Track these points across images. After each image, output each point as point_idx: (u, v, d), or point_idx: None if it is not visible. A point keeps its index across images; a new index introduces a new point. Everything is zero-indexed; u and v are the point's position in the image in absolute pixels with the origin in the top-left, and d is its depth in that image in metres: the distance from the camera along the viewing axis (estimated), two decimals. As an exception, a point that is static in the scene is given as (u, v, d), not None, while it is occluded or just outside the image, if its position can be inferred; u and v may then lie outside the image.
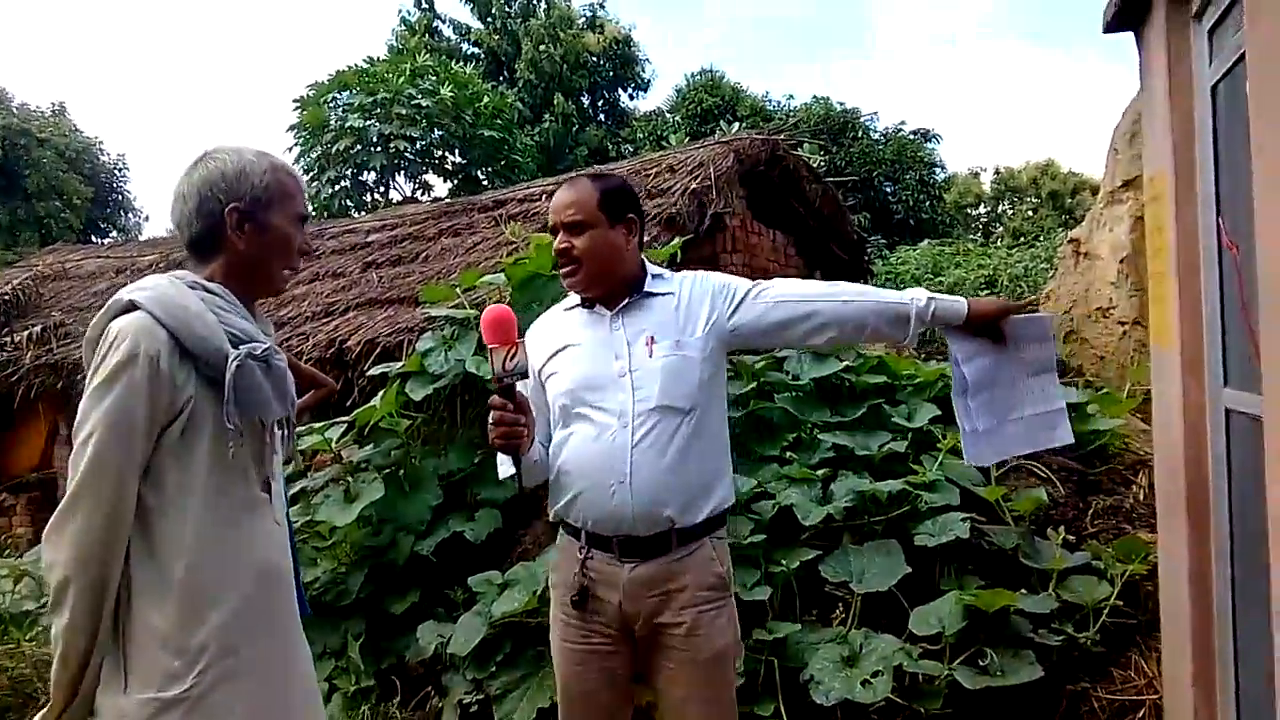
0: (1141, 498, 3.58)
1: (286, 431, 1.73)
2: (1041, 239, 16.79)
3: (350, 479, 3.78)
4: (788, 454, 3.76)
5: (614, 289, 2.07)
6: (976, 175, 32.48)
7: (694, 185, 5.31)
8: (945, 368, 4.31)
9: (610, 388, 1.99)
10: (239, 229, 1.62)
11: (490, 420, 1.82)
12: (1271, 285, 1.40)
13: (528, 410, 1.88)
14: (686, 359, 2.01)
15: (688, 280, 2.14)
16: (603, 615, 2.02)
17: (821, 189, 7.13)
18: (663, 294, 2.10)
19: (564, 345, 2.08)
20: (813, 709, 2.91)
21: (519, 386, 1.92)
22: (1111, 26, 2.40)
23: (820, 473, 3.46)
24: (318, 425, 3.93)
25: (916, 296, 2.06)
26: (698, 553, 2.00)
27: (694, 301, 2.08)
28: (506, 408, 1.81)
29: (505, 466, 1.97)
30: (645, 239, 4.66)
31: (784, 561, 3.16)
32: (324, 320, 5.42)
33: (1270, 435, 1.44)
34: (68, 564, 1.43)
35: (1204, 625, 2.12)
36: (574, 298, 2.15)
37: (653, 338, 2.01)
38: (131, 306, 1.51)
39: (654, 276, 2.12)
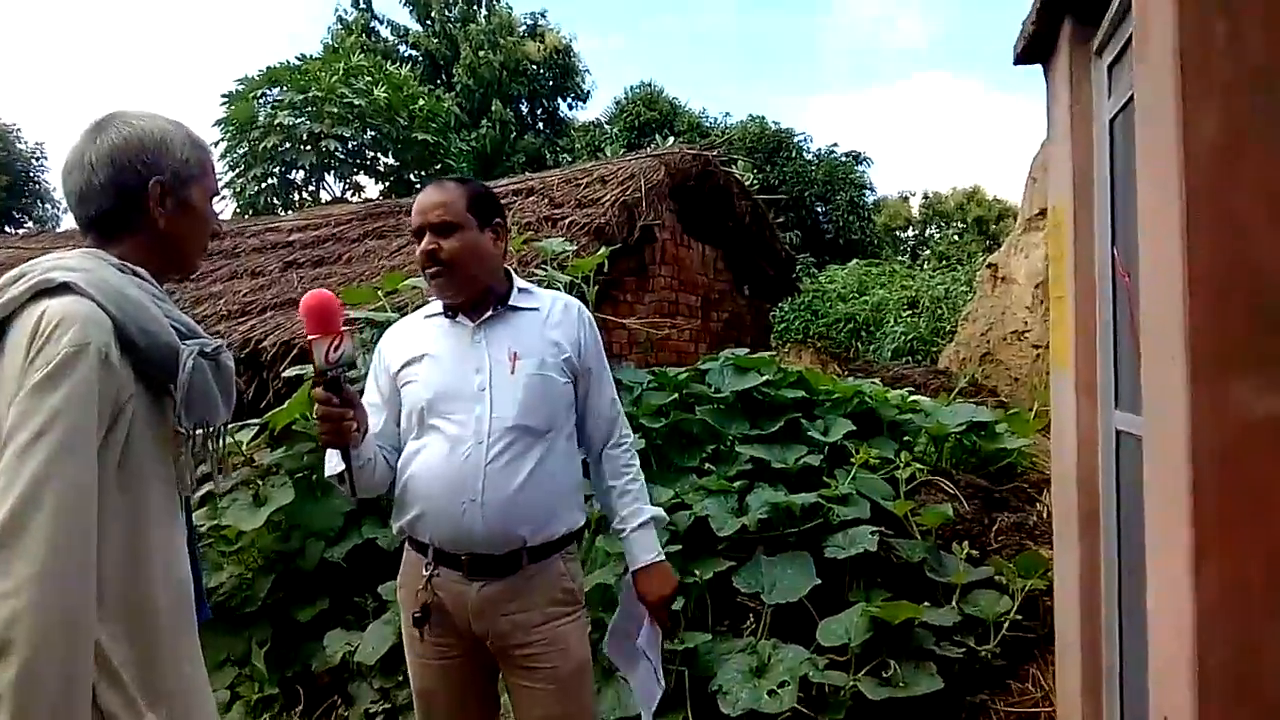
0: (1045, 515, 3.70)
1: (221, 436, 1.58)
2: (965, 263, 17.30)
3: (260, 482, 3.68)
4: (706, 465, 3.79)
5: (480, 296, 1.99)
6: (906, 199, 33.32)
7: (624, 197, 5.33)
8: (862, 384, 4.41)
9: (467, 401, 1.91)
10: (162, 204, 1.45)
11: (315, 415, 1.71)
12: (1152, 314, 1.46)
13: (356, 404, 1.75)
14: (548, 379, 1.95)
15: (559, 301, 2.09)
16: (448, 632, 1.95)
17: (751, 205, 7.22)
18: (529, 309, 2.03)
19: (423, 353, 1.98)
20: (721, 719, 2.93)
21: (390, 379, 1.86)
22: (1021, 59, 2.48)
23: (737, 485, 3.50)
24: (229, 426, 3.82)
25: (640, 518, 2.07)
26: (548, 569, 1.94)
27: (561, 323, 2.03)
28: (332, 401, 1.68)
29: (333, 463, 1.85)
30: (575, 248, 4.68)
31: (698, 572, 3.18)
32: (240, 320, 5.28)
33: (1149, 455, 1.50)
34: (21, 592, 1.15)
35: (1093, 639, 2.20)
36: (436, 305, 2.06)
37: (516, 354, 1.94)
38: (65, 289, 1.30)
39: (520, 290, 2.05)
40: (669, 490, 3.52)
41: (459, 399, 1.91)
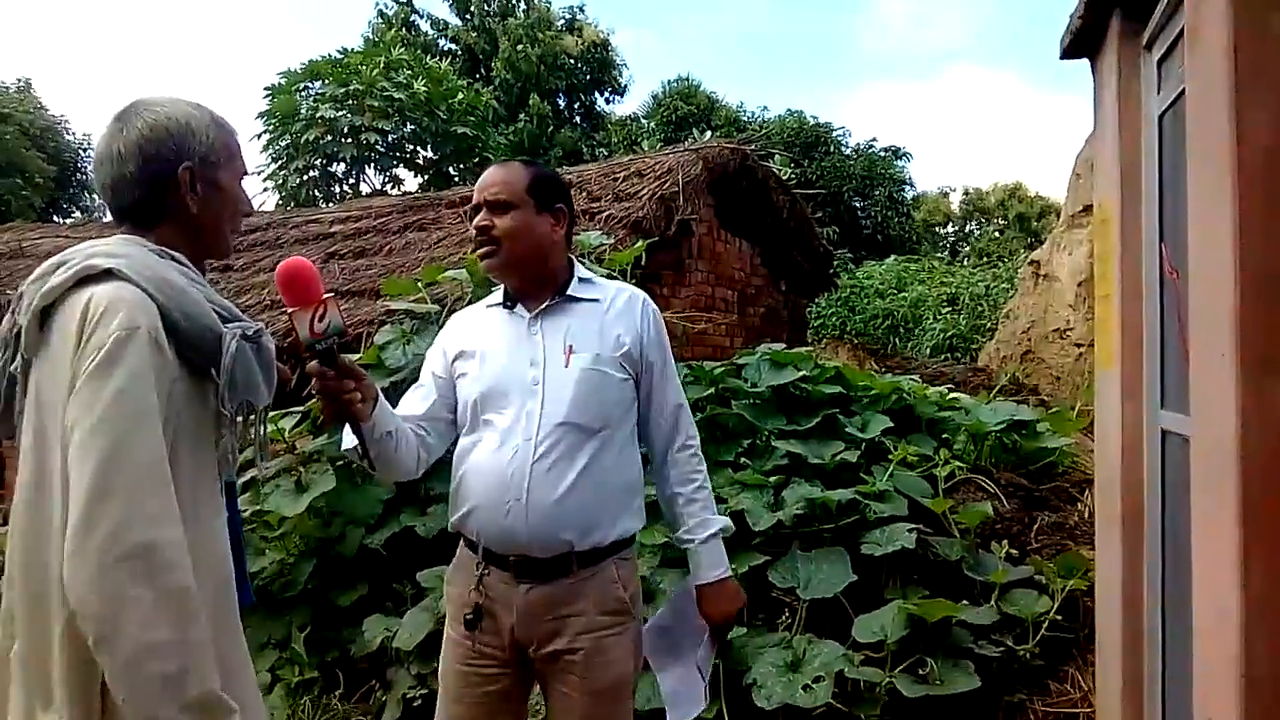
0: (1085, 515, 3.65)
1: (264, 419, 1.59)
2: (1005, 260, 17.08)
3: (302, 469, 3.75)
4: (742, 460, 3.79)
5: (535, 282, 1.92)
6: (946, 195, 32.97)
7: (662, 190, 5.34)
8: (900, 380, 4.38)
9: (519, 396, 1.84)
10: (193, 189, 1.44)
11: (314, 392, 1.60)
12: (1202, 312, 1.44)
13: (356, 374, 1.64)
14: (604, 375, 1.86)
15: (623, 292, 2.00)
16: (494, 638, 1.87)
17: (789, 200, 7.18)
18: (589, 299, 1.94)
19: (479, 344, 1.93)
20: (756, 712, 2.94)
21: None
22: (1068, 53, 2.45)
23: (773, 479, 3.50)
24: (271, 414, 3.89)
25: (709, 530, 1.97)
26: (599, 575, 1.85)
27: (623, 315, 1.94)
28: (327, 375, 1.58)
29: (348, 438, 1.78)
30: (612, 241, 4.69)
31: (734, 566, 3.17)
32: (282, 309, 5.34)
33: (1196, 455, 1.48)
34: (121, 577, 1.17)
35: (1134, 640, 2.17)
36: (497, 295, 2.00)
37: (572, 346, 1.86)
38: (109, 275, 1.31)
39: (581, 280, 1.96)
40: (705, 484, 3.52)
41: (511, 393, 1.85)
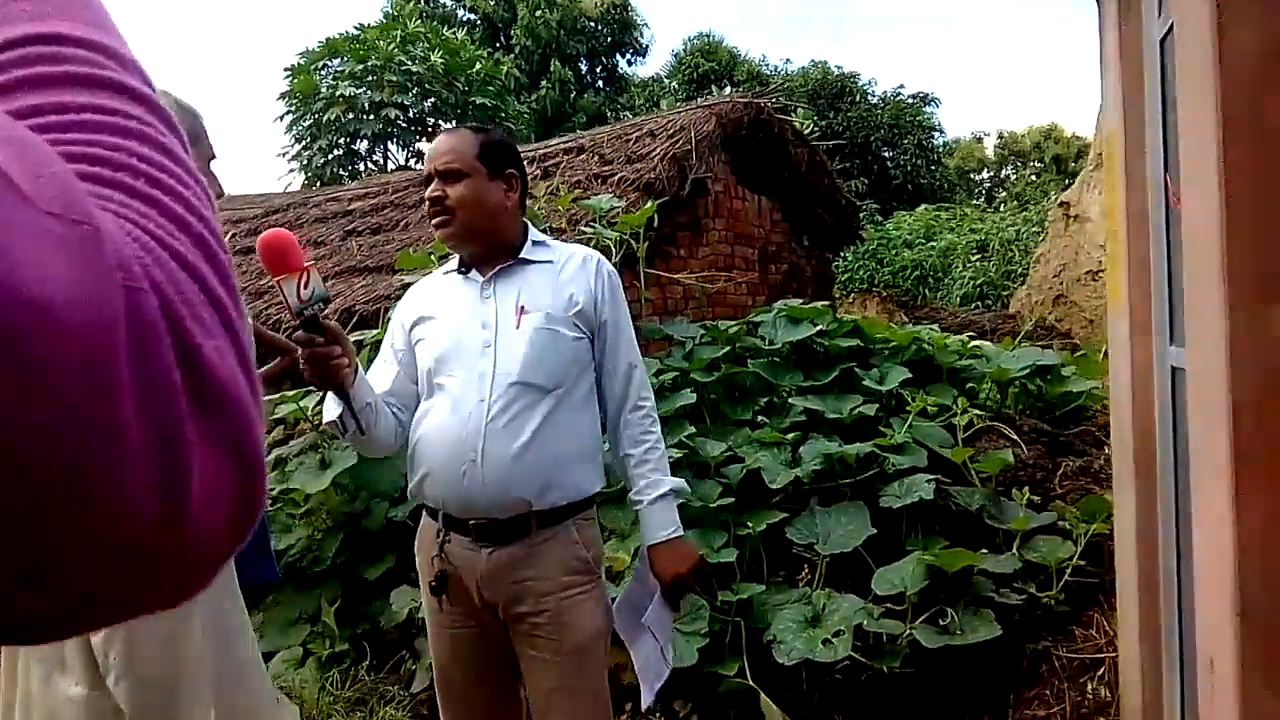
0: (1111, 459, 3.58)
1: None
2: (1032, 204, 16.71)
3: (325, 446, 3.79)
4: (759, 418, 3.77)
5: (489, 248, 1.92)
6: (980, 140, 32.32)
7: (674, 150, 5.26)
8: (919, 330, 4.31)
9: (472, 359, 1.84)
10: None
11: (302, 359, 1.62)
12: (1193, 237, 1.39)
13: (341, 339, 1.66)
14: (556, 334, 1.86)
15: (577, 254, 2.00)
16: (464, 603, 1.89)
17: (808, 153, 7.06)
18: (542, 261, 1.95)
19: (435, 310, 1.94)
20: (777, 668, 2.94)
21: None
22: (1069, -19, 2.36)
23: (790, 436, 3.47)
24: (291, 394, 3.94)
25: (658, 490, 1.95)
26: (560, 536, 1.86)
27: (576, 276, 1.95)
28: (315, 342, 1.59)
29: (332, 407, 1.78)
30: (624, 204, 4.65)
31: (750, 524, 3.17)
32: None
33: (1192, 389, 1.43)
34: None
35: (1150, 583, 2.13)
36: (453, 261, 2.01)
37: (524, 307, 1.87)
38: None
39: (535, 243, 1.98)
40: (722, 443, 3.51)
41: (465, 356, 1.85)
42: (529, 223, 2.04)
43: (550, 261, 1.96)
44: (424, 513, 1.99)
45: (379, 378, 1.95)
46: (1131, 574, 2.21)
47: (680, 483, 2.03)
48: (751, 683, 2.87)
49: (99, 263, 0.28)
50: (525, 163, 2.08)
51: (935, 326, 5.03)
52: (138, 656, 1.23)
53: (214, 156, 1.59)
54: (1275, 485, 1.22)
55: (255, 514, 0.35)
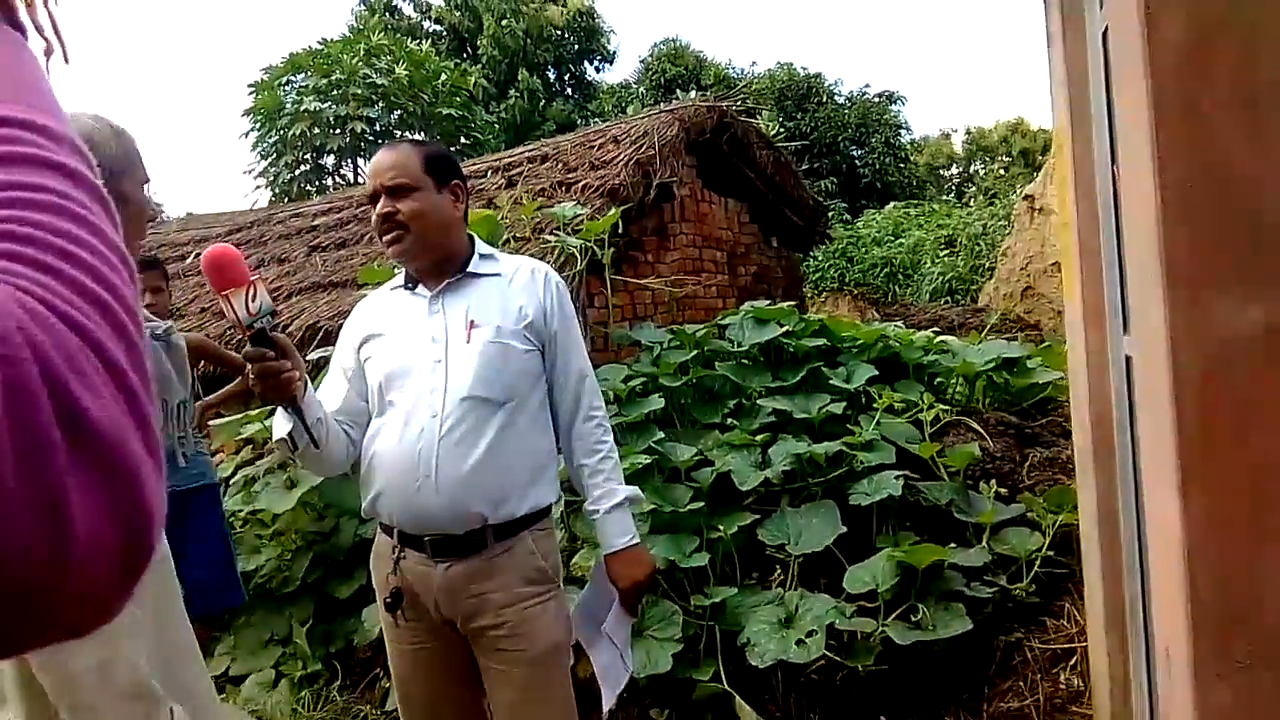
0: (1079, 449, 3.61)
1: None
2: (1000, 198, 16.86)
3: (292, 465, 3.75)
4: (728, 420, 3.76)
5: (439, 263, 1.90)
6: (948, 136, 32.59)
7: (638, 155, 5.26)
8: (886, 327, 4.33)
9: (423, 375, 1.82)
10: None
11: (253, 374, 1.60)
12: (1132, 226, 1.40)
13: (290, 352, 1.65)
14: (506, 347, 1.84)
15: (525, 266, 1.99)
16: (421, 619, 1.89)
17: (773, 155, 7.08)
18: (489, 274, 1.93)
19: (383, 328, 1.91)
20: (752, 671, 2.93)
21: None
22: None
23: (760, 438, 3.47)
24: (254, 414, 3.89)
25: (613, 499, 1.95)
26: (516, 548, 1.85)
27: (526, 288, 1.93)
28: (267, 356, 1.58)
29: (282, 424, 1.74)
30: (588, 212, 4.64)
31: (722, 527, 3.16)
32: (291, 302, 5.35)
33: (1138, 377, 1.44)
34: None
35: (1114, 571, 2.14)
36: (399, 278, 1.99)
37: (473, 321, 1.85)
38: None
39: (482, 256, 1.96)
40: (692, 448, 3.50)
41: (415, 373, 1.83)
42: (474, 235, 2.03)
43: (498, 275, 1.95)
44: (379, 530, 1.96)
45: (329, 396, 1.93)
46: (1095, 563, 2.22)
47: (635, 490, 2.03)
48: (727, 687, 2.86)
49: None
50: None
51: (900, 323, 5.04)
52: (75, 686, 1.22)
53: (148, 179, 1.59)
54: (1218, 471, 1.23)
55: (146, 555, 0.37)
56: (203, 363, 3.42)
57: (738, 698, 2.83)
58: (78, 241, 0.39)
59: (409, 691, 1.96)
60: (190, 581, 3.18)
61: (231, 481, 3.92)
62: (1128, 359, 1.99)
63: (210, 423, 3.78)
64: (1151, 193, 1.22)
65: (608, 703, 1.99)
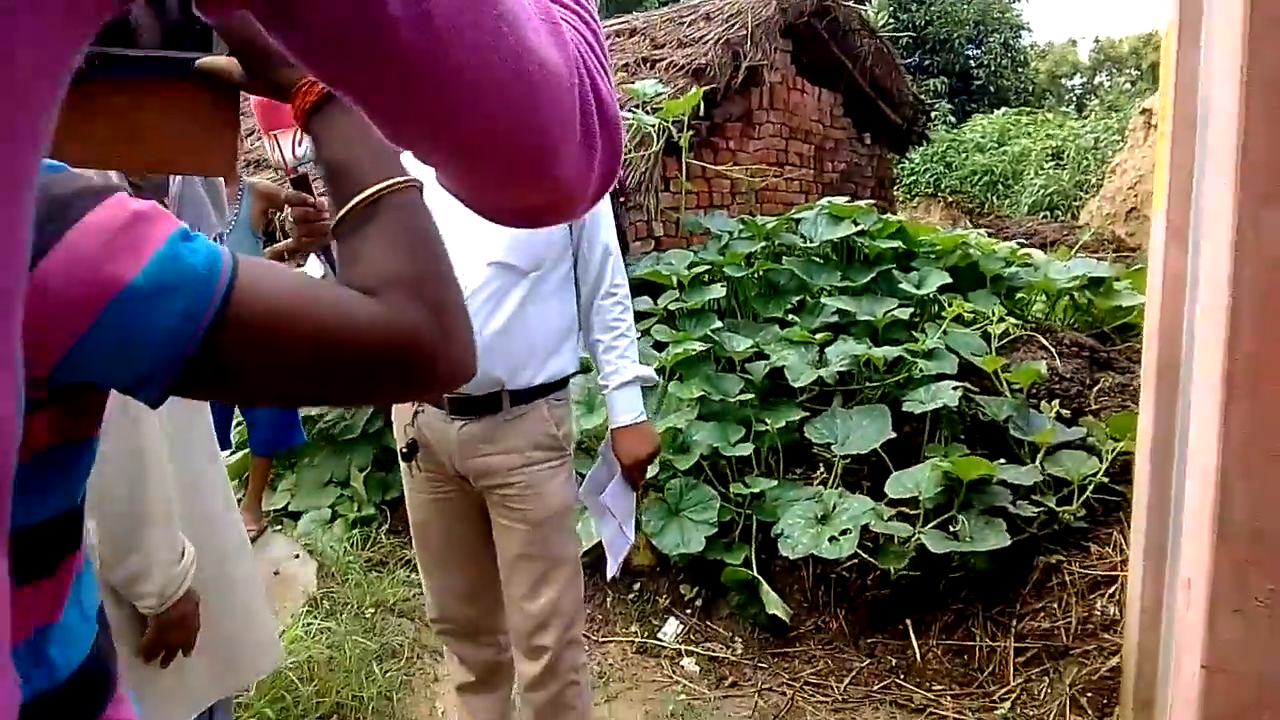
0: (1154, 377, 3.46)
1: None
2: (1119, 112, 15.80)
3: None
4: (790, 316, 3.71)
5: None
6: (1074, 44, 30.59)
7: (729, 35, 5.05)
8: (969, 235, 4.16)
9: (451, 238, 1.84)
10: None
11: (293, 219, 1.59)
12: (1213, 131, 1.28)
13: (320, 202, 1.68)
14: None
15: None
16: (436, 470, 1.96)
17: (876, 45, 6.73)
18: None
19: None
20: (783, 562, 2.97)
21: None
22: None
23: (820, 336, 3.41)
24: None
25: (624, 376, 1.99)
26: (531, 413, 1.90)
27: None
28: (307, 202, 1.58)
29: (315, 268, 1.74)
30: (670, 90, 4.50)
31: (769, 421, 3.16)
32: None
33: (1201, 295, 1.35)
34: None
35: (1161, 501, 2.07)
36: None
37: None
38: None
39: None
40: (749, 340, 3.47)
41: (444, 235, 1.85)
42: None
43: None
44: None
45: None
46: (1144, 490, 2.16)
47: (648, 371, 2.07)
48: (755, 574, 2.90)
49: (565, 48, 0.50)
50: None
51: (983, 232, 4.84)
52: (106, 496, 1.29)
53: None
54: (1264, 399, 1.15)
55: (612, 179, 0.60)
56: (272, 211, 3.48)
57: (764, 584, 2.88)
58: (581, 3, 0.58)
59: (425, 537, 2.05)
60: (253, 420, 3.36)
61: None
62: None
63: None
64: (1235, 102, 1.12)
65: (611, 570, 2.09)
